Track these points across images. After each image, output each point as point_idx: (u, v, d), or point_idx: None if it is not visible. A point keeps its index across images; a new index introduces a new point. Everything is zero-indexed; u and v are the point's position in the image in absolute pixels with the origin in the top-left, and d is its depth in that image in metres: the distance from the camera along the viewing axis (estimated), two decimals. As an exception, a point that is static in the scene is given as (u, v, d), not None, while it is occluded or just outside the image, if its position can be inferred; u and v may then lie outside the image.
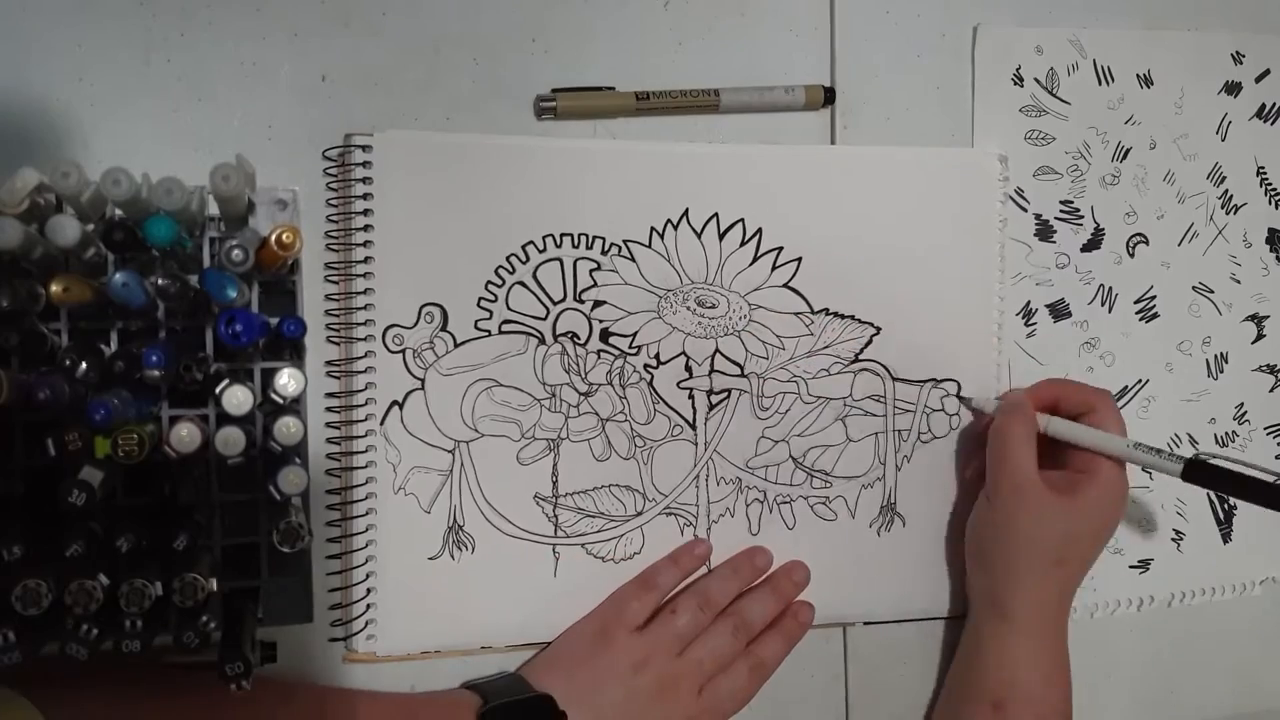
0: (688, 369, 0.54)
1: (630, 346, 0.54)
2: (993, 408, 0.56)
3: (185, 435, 0.42)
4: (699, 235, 0.54)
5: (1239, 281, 0.63)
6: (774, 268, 0.55)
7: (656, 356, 0.54)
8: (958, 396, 0.57)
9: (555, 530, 0.53)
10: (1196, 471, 0.50)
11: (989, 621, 0.53)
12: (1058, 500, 0.51)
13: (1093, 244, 0.61)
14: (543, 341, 0.53)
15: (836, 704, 0.57)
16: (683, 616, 0.51)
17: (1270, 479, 0.49)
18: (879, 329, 0.56)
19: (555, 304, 0.53)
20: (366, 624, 0.50)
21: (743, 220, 0.55)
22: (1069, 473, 0.53)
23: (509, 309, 0.52)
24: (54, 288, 0.39)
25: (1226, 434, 0.63)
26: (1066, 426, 0.54)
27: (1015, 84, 0.59)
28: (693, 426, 0.54)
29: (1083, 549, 0.52)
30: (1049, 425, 0.54)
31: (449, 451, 0.51)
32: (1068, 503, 0.51)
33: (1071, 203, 0.60)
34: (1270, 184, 0.64)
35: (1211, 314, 0.63)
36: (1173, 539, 0.62)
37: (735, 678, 0.52)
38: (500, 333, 0.52)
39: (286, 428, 0.44)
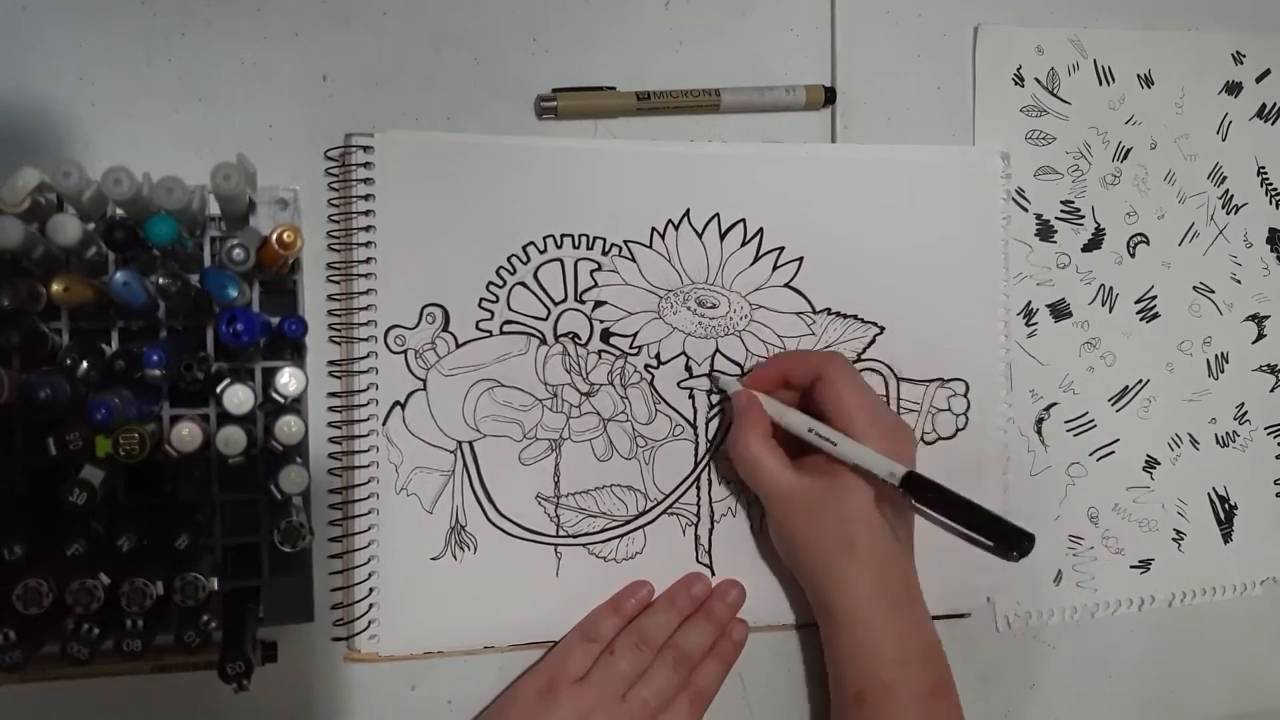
0: (688, 369, 0.54)
1: (631, 347, 0.54)
2: (731, 386, 0.53)
3: (186, 434, 0.42)
4: (700, 235, 0.54)
5: (1239, 281, 0.63)
6: (775, 268, 0.55)
7: (657, 356, 0.54)
8: (710, 374, 0.54)
9: (557, 530, 0.53)
10: (912, 483, 0.48)
11: (823, 621, 0.52)
12: (823, 487, 0.49)
13: (1093, 244, 0.61)
14: (544, 342, 0.53)
15: (837, 704, 0.57)
16: (622, 659, 0.50)
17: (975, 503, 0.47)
18: (882, 329, 0.56)
19: (556, 304, 0.53)
20: (369, 624, 0.50)
21: (744, 220, 0.55)
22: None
23: (510, 309, 0.52)
24: (55, 287, 0.39)
25: (1227, 434, 0.63)
26: (793, 418, 0.51)
27: (1016, 84, 0.60)
28: (694, 426, 0.54)
29: (870, 524, 0.49)
30: (779, 417, 0.51)
31: (451, 452, 0.51)
32: (831, 485, 0.49)
33: (1072, 203, 0.60)
34: (1271, 184, 0.64)
35: (1212, 314, 0.63)
36: (1173, 539, 0.62)
37: (677, 712, 0.51)
38: (502, 333, 0.52)
39: (287, 427, 0.44)
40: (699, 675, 0.52)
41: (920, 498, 0.48)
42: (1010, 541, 0.46)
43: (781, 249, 0.55)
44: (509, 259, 0.52)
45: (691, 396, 0.54)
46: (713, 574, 0.55)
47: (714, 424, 0.55)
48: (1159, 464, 0.62)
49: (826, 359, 0.52)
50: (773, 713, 0.56)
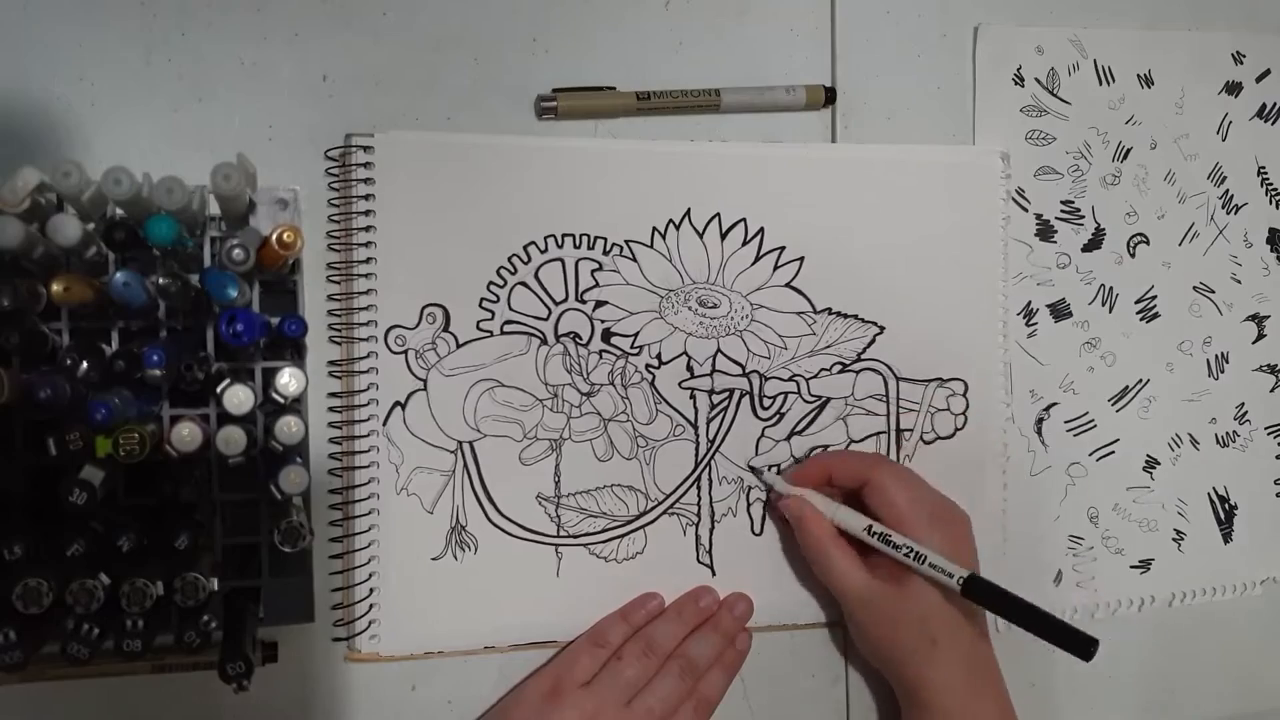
0: (689, 369, 0.54)
1: (632, 347, 0.54)
2: (780, 486, 0.53)
3: (186, 435, 0.42)
4: (701, 235, 0.54)
5: (1240, 281, 0.63)
6: (776, 267, 0.55)
7: (658, 356, 0.54)
8: (749, 466, 0.55)
9: (558, 530, 0.53)
10: (973, 588, 0.48)
11: (908, 707, 0.53)
12: (898, 592, 0.50)
13: (1093, 244, 0.61)
14: (545, 342, 0.53)
15: (837, 704, 0.57)
16: (629, 665, 0.51)
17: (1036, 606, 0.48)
18: (882, 329, 0.56)
19: (557, 304, 0.53)
20: (369, 624, 0.50)
21: (744, 220, 0.55)
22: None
23: (511, 309, 0.52)
24: (55, 287, 0.39)
25: (1227, 434, 0.63)
26: (847, 518, 0.51)
27: (1016, 84, 0.60)
28: (694, 426, 0.54)
29: (949, 620, 0.50)
30: (835, 518, 0.52)
31: (451, 452, 0.51)
32: (904, 587, 0.50)
33: (1072, 203, 0.60)
34: (1271, 184, 0.64)
35: (1212, 314, 0.63)
36: (1173, 539, 0.62)
37: None
38: (502, 333, 0.52)
39: (287, 427, 0.44)
40: (704, 684, 0.52)
41: (981, 600, 0.48)
42: (1077, 647, 0.46)
43: (782, 249, 0.55)
44: (510, 259, 0.52)
45: (693, 397, 0.54)
46: (713, 574, 0.55)
47: (714, 424, 0.55)
48: (1159, 464, 0.62)
49: (870, 463, 0.53)
50: (773, 713, 0.56)
